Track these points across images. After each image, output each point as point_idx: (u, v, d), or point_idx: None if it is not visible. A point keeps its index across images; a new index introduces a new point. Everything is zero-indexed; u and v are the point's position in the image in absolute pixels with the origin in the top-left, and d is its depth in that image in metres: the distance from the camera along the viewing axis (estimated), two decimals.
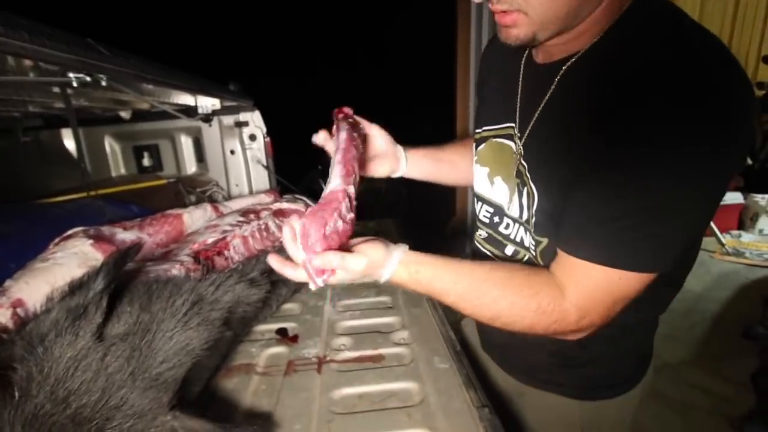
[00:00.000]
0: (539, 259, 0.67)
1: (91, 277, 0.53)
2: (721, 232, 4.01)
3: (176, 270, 0.75)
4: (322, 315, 1.08)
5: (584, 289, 0.57)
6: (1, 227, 1.07)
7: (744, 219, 4.22)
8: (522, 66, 0.68)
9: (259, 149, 2.06)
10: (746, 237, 4.09)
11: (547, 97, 0.62)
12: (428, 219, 3.70)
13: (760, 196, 4.09)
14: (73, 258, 0.75)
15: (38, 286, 0.66)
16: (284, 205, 1.28)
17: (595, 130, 0.54)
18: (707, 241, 4.07)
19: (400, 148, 0.89)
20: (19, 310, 0.63)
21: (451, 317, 1.03)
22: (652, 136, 0.49)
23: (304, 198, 1.48)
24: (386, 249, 0.61)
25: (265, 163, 2.09)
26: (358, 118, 0.84)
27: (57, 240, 0.85)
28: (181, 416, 0.52)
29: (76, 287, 0.54)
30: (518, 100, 0.68)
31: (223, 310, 0.67)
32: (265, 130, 2.06)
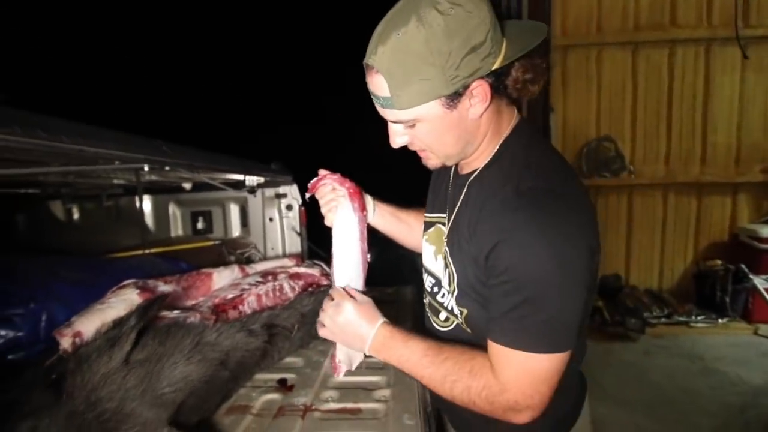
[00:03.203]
0: (465, 325, 0.80)
1: (127, 317, 0.73)
2: None
3: (193, 318, 0.94)
4: (319, 369, 1.21)
5: (503, 369, 0.70)
6: (77, 275, 1.36)
7: None
8: (452, 173, 0.89)
9: (294, 218, 2.34)
10: None
11: (460, 200, 0.82)
12: None
13: None
14: (122, 303, 0.98)
15: (94, 322, 0.88)
16: (300, 270, 1.48)
17: (486, 233, 0.71)
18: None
19: (368, 196, 1.02)
20: (77, 339, 0.84)
21: None
22: (528, 241, 0.66)
23: (322, 264, 1.67)
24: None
25: (298, 231, 2.36)
26: (336, 178, 0.92)
27: (114, 288, 1.09)
28: None
29: (117, 323, 0.74)
30: (447, 197, 0.88)
31: (222, 352, 0.84)
32: (300, 201, 2.35)
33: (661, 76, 4.29)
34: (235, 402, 1.03)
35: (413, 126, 0.71)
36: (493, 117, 0.75)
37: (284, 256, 2.27)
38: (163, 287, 1.14)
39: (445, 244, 0.83)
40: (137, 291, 1.05)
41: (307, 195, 0.95)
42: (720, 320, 3.80)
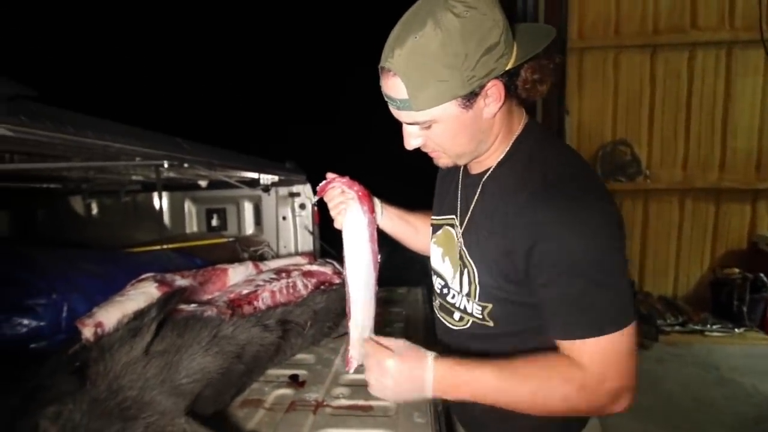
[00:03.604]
0: (487, 319, 0.81)
1: (148, 309, 0.75)
2: None
3: (210, 311, 0.96)
4: (331, 367, 1.23)
5: (593, 361, 0.69)
6: (96, 268, 1.40)
7: None
8: (461, 174, 0.89)
9: (307, 217, 2.36)
10: None
11: (475, 198, 0.82)
12: None
13: None
14: (142, 296, 1.00)
15: (114, 313, 0.91)
16: (313, 268, 1.50)
17: (522, 229, 0.71)
18: None
19: (376, 199, 1.00)
20: (98, 329, 0.87)
21: None
22: (570, 230, 0.67)
23: (334, 262, 1.68)
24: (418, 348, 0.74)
25: (311, 230, 2.38)
26: (343, 181, 0.91)
27: (133, 282, 1.12)
28: (193, 422, 0.70)
29: (138, 315, 0.76)
30: (458, 198, 0.87)
31: (238, 345, 0.86)
32: (314, 200, 2.37)
33: (680, 80, 4.22)
34: (248, 396, 1.05)
35: (429, 127, 0.72)
36: (505, 117, 0.77)
37: (297, 254, 2.29)
38: (181, 281, 1.17)
39: (460, 244, 0.84)
40: (156, 284, 1.08)
41: (316, 198, 0.96)
42: (736, 330, 3.72)
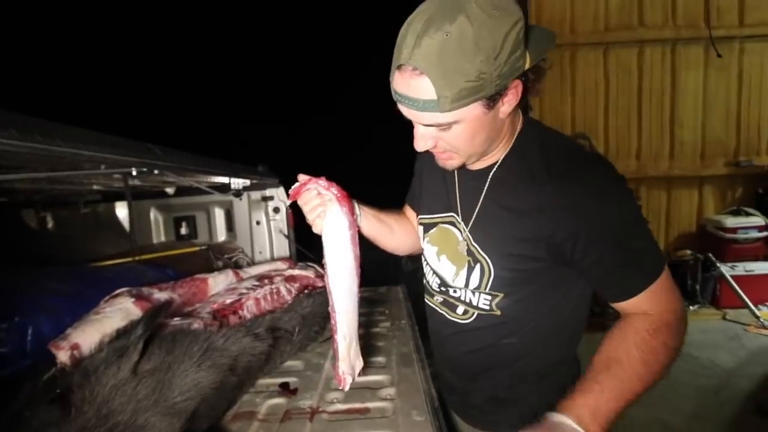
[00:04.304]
0: (495, 309, 0.83)
1: (133, 326, 0.71)
2: (755, 305, 3.85)
3: (197, 324, 0.92)
4: (321, 372, 1.20)
5: (651, 304, 0.74)
6: (61, 287, 1.30)
7: None
8: (456, 171, 0.88)
9: (281, 220, 2.31)
10: None
11: (483, 192, 0.82)
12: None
13: None
14: (119, 312, 0.94)
15: (91, 333, 0.84)
16: (295, 272, 1.46)
17: (550, 211, 0.74)
18: (741, 314, 3.91)
19: (353, 200, 0.97)
20: (75, 352, 0.81)
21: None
22: (603, 201, 0.72)
23: (315, 266, 1.65)
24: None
25: (286, 233, 2.33)
26: (322, 184, 0.86)
27: (107, 298, 1.05)
28: None
29: (122, 333, 0.72)
30: (458, 196, 0.87)
31: (230, 357, 0.83)
32: (288, 203, 2.31)
33: (631, 75, 4.47)
34: (239, 408, 1.01)
35: (448, 128, 0.69)
36: (512, 116, 0.78)
37: (273, 259, 2.24)
38: (158, 294, 1.11)
39: (468, 241, 0.84)
40: (132, 299, 1.02)
41: (289, 201, 0.91)
42: (691, 307, 3.99)
